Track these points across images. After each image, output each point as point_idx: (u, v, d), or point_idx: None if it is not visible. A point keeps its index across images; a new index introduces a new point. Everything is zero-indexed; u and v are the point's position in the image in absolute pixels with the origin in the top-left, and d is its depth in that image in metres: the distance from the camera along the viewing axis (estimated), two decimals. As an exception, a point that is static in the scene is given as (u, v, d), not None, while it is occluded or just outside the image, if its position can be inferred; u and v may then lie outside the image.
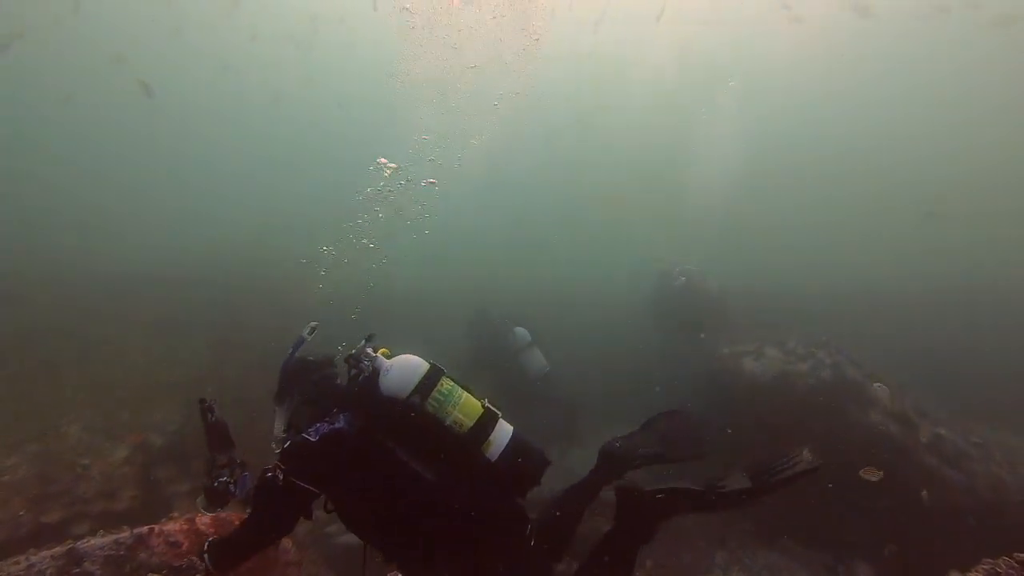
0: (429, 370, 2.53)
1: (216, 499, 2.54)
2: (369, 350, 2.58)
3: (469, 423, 2.45)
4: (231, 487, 2.55)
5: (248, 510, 2.53)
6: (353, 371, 2.58)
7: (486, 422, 2.48)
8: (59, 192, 21.74)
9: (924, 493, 5.04)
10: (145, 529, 3.16)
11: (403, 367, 2.53)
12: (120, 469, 5.10)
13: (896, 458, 5.27)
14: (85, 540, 2.94)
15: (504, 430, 2.52)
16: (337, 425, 2.42)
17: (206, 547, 2.57)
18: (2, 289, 9.02)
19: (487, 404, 2.55)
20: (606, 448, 2.98)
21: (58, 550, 2.80)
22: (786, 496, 5.49)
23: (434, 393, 2.46)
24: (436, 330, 9.14)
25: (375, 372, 2.53)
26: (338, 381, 2.72)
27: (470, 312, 8.62)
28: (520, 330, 7.86)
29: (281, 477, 2.34)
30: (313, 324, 2.82)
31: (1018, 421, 6.89)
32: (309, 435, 2.39)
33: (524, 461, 2.50)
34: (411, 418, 2.42)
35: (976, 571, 1.84)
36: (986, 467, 5.20)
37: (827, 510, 5.27)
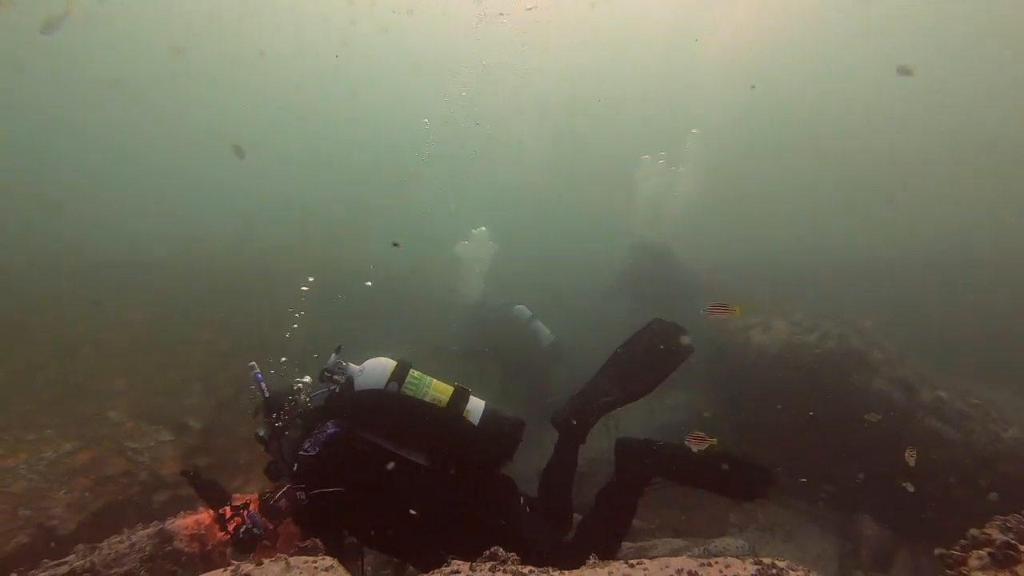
0: (398, 364, 2.79)
1: (245, 547, 2.73)
2: (341, 362, 2.84)
3: (445, 398, 2.70)
4: (253, 531, 2.74)
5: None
6: (331, 385, 2.83)
7: (459, 397, 2.73)
8: (74, 185, 21.72)
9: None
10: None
11: (374, 366, 2.80)
12: (167, 452, 5.34)
13: (900, 421, 5.62)
14: (171, 520, 3.19)
15: (477, 403, 2.77)
16: (329, 431, 2.67)
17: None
18: (18, 280, 9.14)
19: (458, 384, 2.80)
20: (554, 418, 3.08)
21: (151, 530, 3.05)
22: (797, 458, 5.85)
23: (407, 380, 2.72)
24: (431, 319, 9.40)
25: (349, 379, 2.78)
26: (298, 398, 2.98)
27: (462, 300, 8.95)
28: (520, 307, 8.16)
29: (304, 496, 2.57)
30: (251, 363, 3.10)
31: (1009, 380, 7.23)
32: (307, 451, 2.63)
33: (502, 426, 2.74)
34: (392, 402, 2.66)
35: (990, 527, 2.10)
36: (983, 425, 5.53)
37: (836, 471, 5.63)
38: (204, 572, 2.95)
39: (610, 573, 1.89)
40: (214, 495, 2.87)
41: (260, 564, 1.88)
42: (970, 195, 19.48)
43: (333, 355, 2.86)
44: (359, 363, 2.87)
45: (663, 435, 7.02)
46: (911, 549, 5.30)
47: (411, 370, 2.77)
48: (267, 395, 2.95)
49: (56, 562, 2.77)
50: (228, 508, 2.84)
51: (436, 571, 1.87)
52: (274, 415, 2.89)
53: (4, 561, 3.71)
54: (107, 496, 4.56)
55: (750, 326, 6.65)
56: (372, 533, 2.67)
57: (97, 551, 2.85)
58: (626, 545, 4.83)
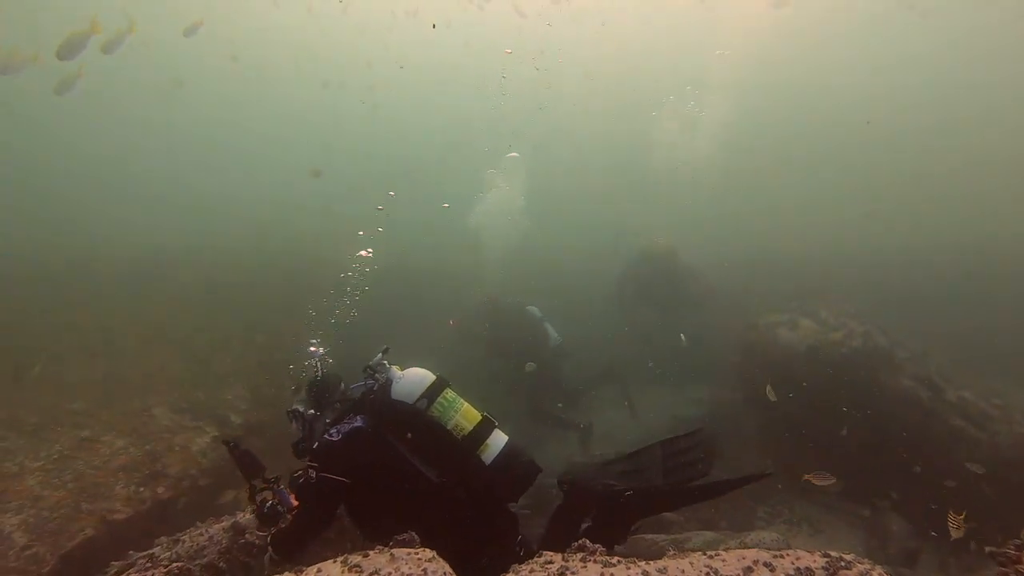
0: (435, 380, 2.93)
1: (269, 521, 2.86)
2: (385, 362, 2.99)
3: (468, 427, 2.81)
4: (279, 507, 2.87)
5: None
6: (370, 380, 2.98)
7: (483, 428, 2.84)
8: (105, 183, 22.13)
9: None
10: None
11: (412, 377, 2.94)
12: (214, 448, 5.50)
13: (925, 419, 5.74)
14: (240, 515, 3.34)
15: (499, 438, 2.88)
16: (355, 424, 2.81)
17: (269, 539, 2.87)
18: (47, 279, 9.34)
19: (487, 415, 2.92)
20: (561, 479, 3.09)
21: (225, 523, 3.20)
22: (822, 454, 5.97)
23: (439, 399, 2.85)
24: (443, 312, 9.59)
25: (388, 381, 2.93)
26: (342, 387, 3.10)
27: (474, 297, 9.26)
28: (532, 308, 8.48)
29: (314, 475, 2.71)
30: (313, 342, 3.29)
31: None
32: (332, 435, 2.78)
33: (515, 467, 2.85)
34: (417, 420, 2.80)
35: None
36: (1008, 427, 5.65)
37: (860, 466, 5.75)
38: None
39: (691, 563, 2.02)
40: (249, 466, 2.99)
41: (366, 555, 2.01)
42: (992, 193, 19.44)
43: (379, 354, 3.02)
44: (404, 366, 3.03)
45: (684, 427, 7.26)
46: (936, 545, 5.41)
47: (446, 390, 2.90)
48: (320, 375, 3.10)
49: (142, 554, 2.92)
50: (261, 480, 2.98)
51: (531, 561, 2.00)
52: (318, 394, 3.04)
53: (72, 552, 3.87)
54: (161, 490, 4.71)
55: (777, 324, 6.76)
56: (366, 527, 2.84)
57: (180, 543, 3.00)
58: (660, 537, 4.97)
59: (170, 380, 6.61)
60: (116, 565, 2.95)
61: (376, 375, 2.96)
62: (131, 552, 2.98)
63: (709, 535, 5.16)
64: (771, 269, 10.71)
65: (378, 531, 2.76)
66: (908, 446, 5.55)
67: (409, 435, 2.78)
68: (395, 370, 2.97)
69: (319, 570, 1.96)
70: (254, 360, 7.74)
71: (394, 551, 2.03)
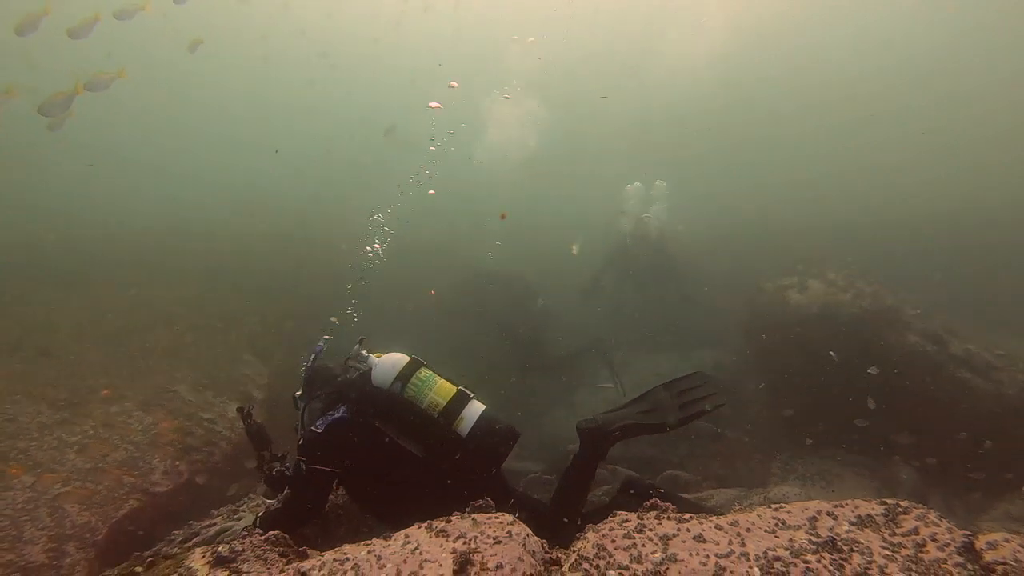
0: (409, 362, 3.07)
1: (276, 486, 3.03)
2: (363, 352, 3.14)
3: (443, 403, 2.96)
4: (286, 473, 3.01)
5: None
6: (351, 371, 3.12)
7: (457, 402, 2.98)
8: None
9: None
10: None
11: (386, 363, 3.08)
12: (238, 422, 5.57)
13: (933, 372, 5.92)
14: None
15: (474, 409, 3.02)
16: (337, 415, 2.93)
17: (258, 518, 2.98)
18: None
19: (461, 388, 3.06)
20: (581, 426, 3.21)
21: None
22: (834, 410, 6.14)
23: (412, 380, 3.00)
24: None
25: (368, 369, 3.08)
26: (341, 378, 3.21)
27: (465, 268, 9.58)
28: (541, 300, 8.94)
29: (304, 466, 2.84)
30: (326, 337, 3.39)
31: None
32: (317, 427, 2.90)
33: (491, 436, 2.98)
34: (394, 403, 2.95)
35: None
36: (1012, 376, 5.84)
37: (872, 420, 5.94)
38: (325, 532, 3.22)
39: (758, 515, 2.12)
40: (260, 437, 3.13)
41: (449, 521, 2.09)
42: (993, 152, 19.52)
43: (356, 345, 3.16)
44: (386, 350, 3.18)
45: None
46: (943, 492, 5.65)
47: (420, 370, 3.04)
48: (308, 365, 3.21)
49: (205, 523, 3.00)
50: (269, 453, 3.12)
51: (608, 519, 2.09)
52: (310, 384, 3.16)
53: (121, 522, 3.95)
54: (195, 464, 4.79)
55: (786, 286, 6.87)
56: (370, 507, 3.02)
57: (238, 514, 3.07)
58: (682, 495, 5.15)
59: (188, 358, 6.63)
60: (179, 534, 3.03)
61: (357, 365, 3.10)
62: (192, 523, 3.06)
63: (729, 492, 5.35)
64: (770, 234, 10.81)
65: (382, 509, 2.95)
66: (916, 398, 5.74)
67: (390, 418, 2.93)
68: (373, 358, 3.11)
69: (406, 536, 2.04)
70: (268, 335, 7.78)
71: (475, 516, 2.11)
